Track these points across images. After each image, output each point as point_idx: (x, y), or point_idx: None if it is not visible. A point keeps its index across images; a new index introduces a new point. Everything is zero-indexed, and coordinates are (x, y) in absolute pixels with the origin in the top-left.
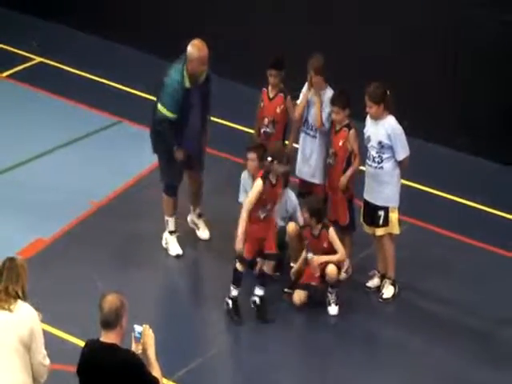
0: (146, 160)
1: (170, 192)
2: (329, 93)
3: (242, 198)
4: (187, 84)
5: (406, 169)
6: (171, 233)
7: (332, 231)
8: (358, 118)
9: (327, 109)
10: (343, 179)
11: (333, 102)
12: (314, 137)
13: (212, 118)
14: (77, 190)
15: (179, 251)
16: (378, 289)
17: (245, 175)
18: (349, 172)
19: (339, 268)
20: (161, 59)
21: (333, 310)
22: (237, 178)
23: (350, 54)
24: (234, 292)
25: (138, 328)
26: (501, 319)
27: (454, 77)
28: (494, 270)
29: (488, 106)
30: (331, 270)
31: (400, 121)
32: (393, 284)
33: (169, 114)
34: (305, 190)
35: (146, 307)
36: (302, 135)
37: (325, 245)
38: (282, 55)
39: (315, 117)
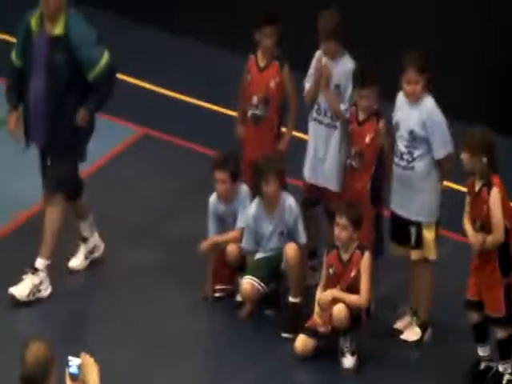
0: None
1: None
2: (348, 64)
3: (212, 232)
4: (33, 23)
5: (447, 173)
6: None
7: (368, 256)
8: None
9: (349, 89)
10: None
11: (362, 83)
12: (332, 126)
13: (182, 98)
14: None
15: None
16: None
17: (213, 200)
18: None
19: (357, 315)
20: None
21: (348, 361)
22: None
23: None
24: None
25: (74, 361)
26: None
27: None
28: None
29: None
30: (338, 310)
31: None
32: (422, 326)
33: (12, 55)
34: (313, 197)
35: None
36: (313, 124)
37: (353, 273)
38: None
39: (330, 101)
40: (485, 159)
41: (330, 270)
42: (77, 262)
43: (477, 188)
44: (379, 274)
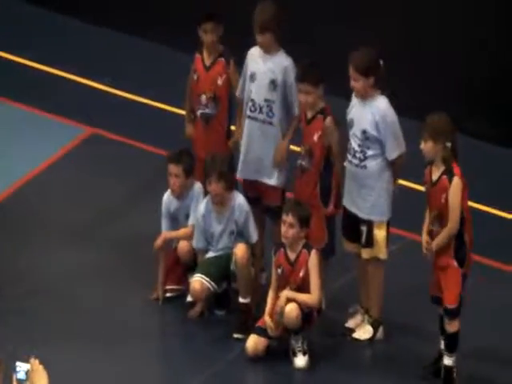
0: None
1: None
2: (284, 61)
3: (165, 230)
4: None
5: (400, 171)
6: None
7: (315, 254)
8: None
9: (292, 85)
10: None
11: (301, 77)
12: (267, 123)
13: (130, 97)
14: None
15: None
16: None
17: (166, 197)
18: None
19: (307, 314)
20: None
21: (300, 361)
22: (164, 181)
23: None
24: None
25: (22, 366)
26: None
27: None
28: None
29: None
30: (290, 310)
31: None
32: (374, 325)
33: None
34: (253, 195)
35: None
36: (248, 122)
37: (301, 274)
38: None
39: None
40: (449, 144)
41: (279, 271)
42: None
43: (435, 177)
44: (330, 272)
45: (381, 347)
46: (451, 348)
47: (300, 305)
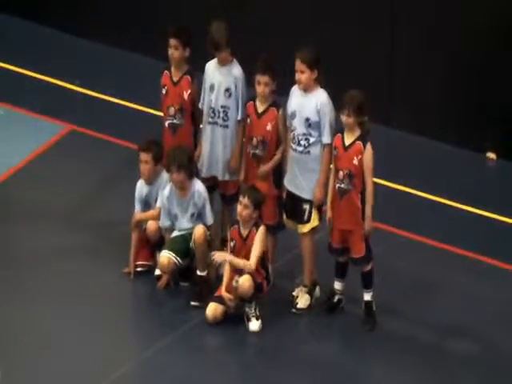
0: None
1: None
2: (236, 71)
3: (138, 210)
4: None
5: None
6: None
7: (262, 230)
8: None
9: (240, 92)
10: (264, 168)
11: (262, 70)
12: (225, 126)
13: (104, 97)
14: None
15: None
16: None
17: (139, 184)
18: (273, 160)
19: (259, 284)
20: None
21: (253, 325)
22: (135, 171)
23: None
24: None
25: None
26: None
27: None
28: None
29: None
30: (244, 280)
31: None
32: (309, 292)
33: None
34: (210, 184)
35: None
36: (210, 127)
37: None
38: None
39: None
40: (366, 117)
41: (231, 243)
42: None
43: (348, 141)
44: (280, 248)
45: (321, 313)
46: (368, 284)
47: (251, 275)
